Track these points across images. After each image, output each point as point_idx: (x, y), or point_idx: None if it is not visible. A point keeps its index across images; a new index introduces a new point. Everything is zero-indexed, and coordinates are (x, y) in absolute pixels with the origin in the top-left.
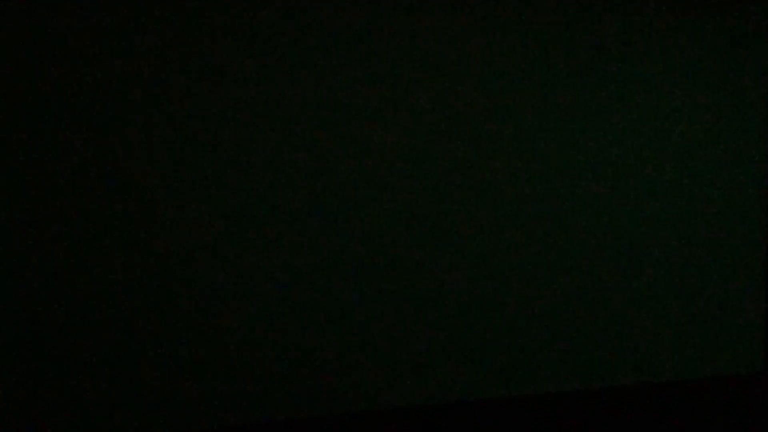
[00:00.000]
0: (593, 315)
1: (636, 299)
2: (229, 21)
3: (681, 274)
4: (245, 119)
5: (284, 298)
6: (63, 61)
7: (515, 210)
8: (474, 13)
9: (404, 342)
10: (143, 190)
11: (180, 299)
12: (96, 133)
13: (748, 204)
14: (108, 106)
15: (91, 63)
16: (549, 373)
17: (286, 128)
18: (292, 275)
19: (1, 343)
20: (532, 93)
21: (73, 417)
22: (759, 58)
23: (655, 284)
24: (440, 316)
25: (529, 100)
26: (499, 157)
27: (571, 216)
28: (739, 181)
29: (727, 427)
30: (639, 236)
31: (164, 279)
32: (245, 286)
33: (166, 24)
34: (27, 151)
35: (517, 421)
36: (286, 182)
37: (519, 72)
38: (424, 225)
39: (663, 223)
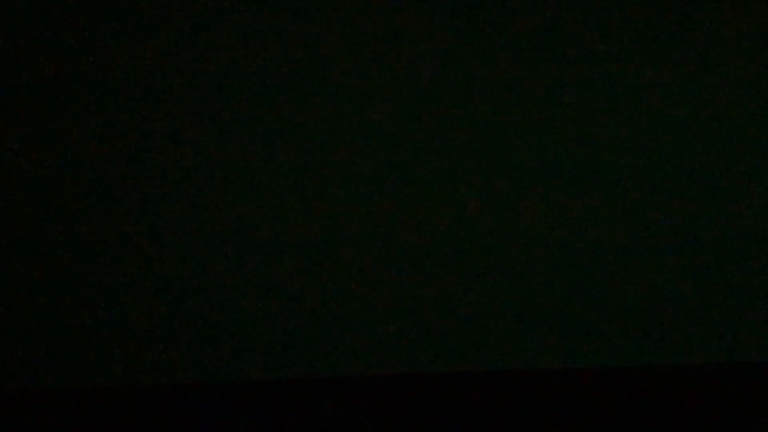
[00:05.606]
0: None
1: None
2: (230, 17)
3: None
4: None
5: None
6: (61, 57)
7: (534, 184)
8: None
9: (404, 309)
10: (134, 152)
11: (178, 250)
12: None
13: None
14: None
15: (90, 59)
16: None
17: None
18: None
19: None
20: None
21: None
22: None
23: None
24: (447, 291)
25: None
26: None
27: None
28: None
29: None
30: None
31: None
32: (243, 254)
33: (166, 20)
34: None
35: (527, 395)
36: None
37: (529, 59)
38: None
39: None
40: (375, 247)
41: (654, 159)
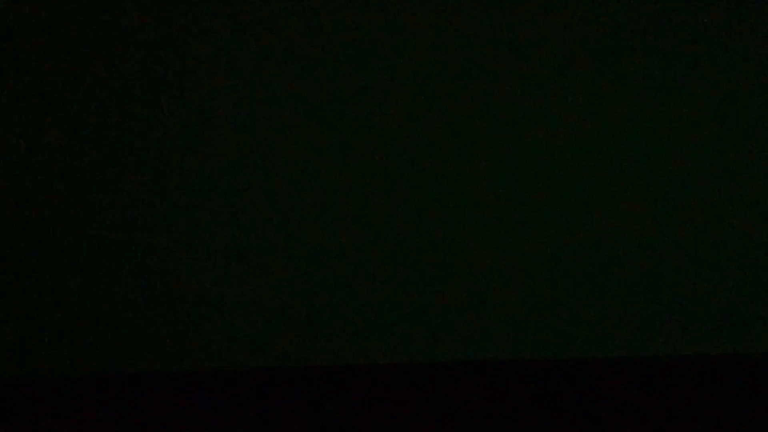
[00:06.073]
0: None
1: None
2: (228, 16)
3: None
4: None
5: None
6: (60, 58)
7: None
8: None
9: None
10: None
11: (178, 242)
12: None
13: None
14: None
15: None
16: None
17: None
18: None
19: None
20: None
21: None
22: None
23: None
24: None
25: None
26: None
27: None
28: None
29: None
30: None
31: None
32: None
33: (165, 17)
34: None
35: (535, 385)
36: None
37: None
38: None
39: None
40: (375, 236)
41: (654, 151)
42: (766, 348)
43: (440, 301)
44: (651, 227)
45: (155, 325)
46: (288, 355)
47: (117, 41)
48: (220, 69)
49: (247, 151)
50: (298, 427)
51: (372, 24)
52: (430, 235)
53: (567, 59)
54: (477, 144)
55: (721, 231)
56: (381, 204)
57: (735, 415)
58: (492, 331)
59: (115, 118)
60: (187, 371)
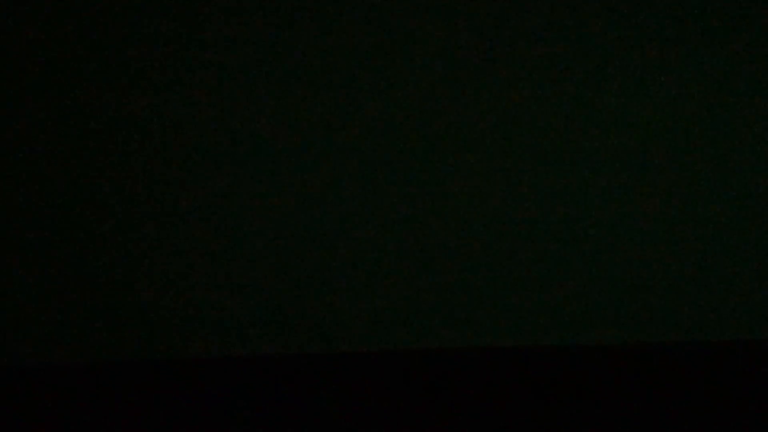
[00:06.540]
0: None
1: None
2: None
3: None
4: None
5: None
6: (59, 55)
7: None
8: None
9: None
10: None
11: (173, 227)
12: None
13: None
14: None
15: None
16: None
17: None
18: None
19: None
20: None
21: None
22: None
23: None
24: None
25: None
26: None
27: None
28: None
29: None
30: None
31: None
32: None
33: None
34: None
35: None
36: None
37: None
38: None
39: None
40: (372, 224)
41: (646, 142)
42: (762, 336)
43: (437, 287)
44: (646, 218)
45: (148, 312)
46: (283, 343)
47: (115, 40)
48: (218, 67)
49: (239, 144)
50: (294, 416)
51: (369, 22)
52: (427, 222)
53: (564, 56)
54: (470, 133)
55: (717, 221)
56: (376, 195)
57: (731, 404)
58: (491, 317)
59: (113, 110)
60: (181, 360)
